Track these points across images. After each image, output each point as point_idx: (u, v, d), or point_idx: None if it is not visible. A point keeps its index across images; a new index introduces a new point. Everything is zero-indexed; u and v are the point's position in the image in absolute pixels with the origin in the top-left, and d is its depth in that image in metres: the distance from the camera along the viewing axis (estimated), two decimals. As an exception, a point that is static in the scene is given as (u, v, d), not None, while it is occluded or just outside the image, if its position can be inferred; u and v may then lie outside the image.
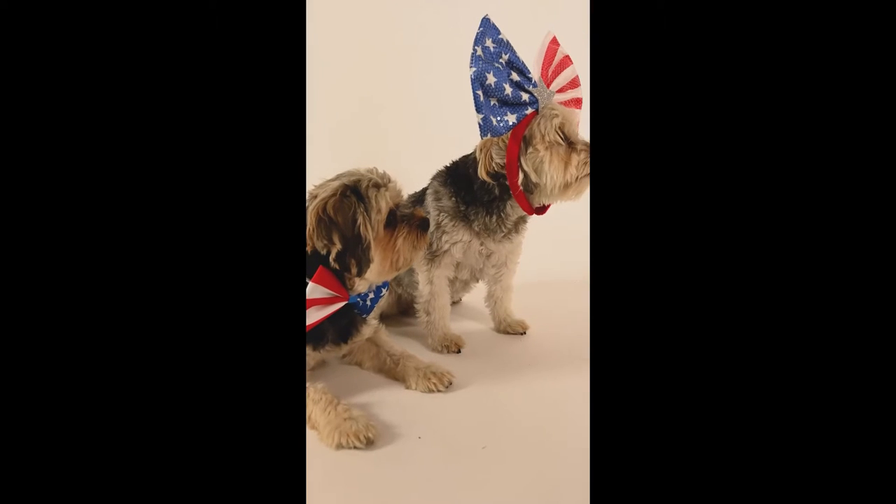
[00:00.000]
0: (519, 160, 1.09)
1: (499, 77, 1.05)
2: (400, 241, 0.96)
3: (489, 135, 1.08)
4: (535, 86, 1.09)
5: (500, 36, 1.06)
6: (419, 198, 1.25)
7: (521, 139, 1.08)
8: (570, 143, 1.08)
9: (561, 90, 1.11)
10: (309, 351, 0.97)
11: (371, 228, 0.92)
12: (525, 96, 1.07)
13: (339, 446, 0.80)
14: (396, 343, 1.12)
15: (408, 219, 0.99)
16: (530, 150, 1.09)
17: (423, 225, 1.00)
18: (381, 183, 0.96)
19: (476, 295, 1.61)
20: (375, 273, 0.96)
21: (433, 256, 1.20)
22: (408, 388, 1.02)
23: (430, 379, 1.00)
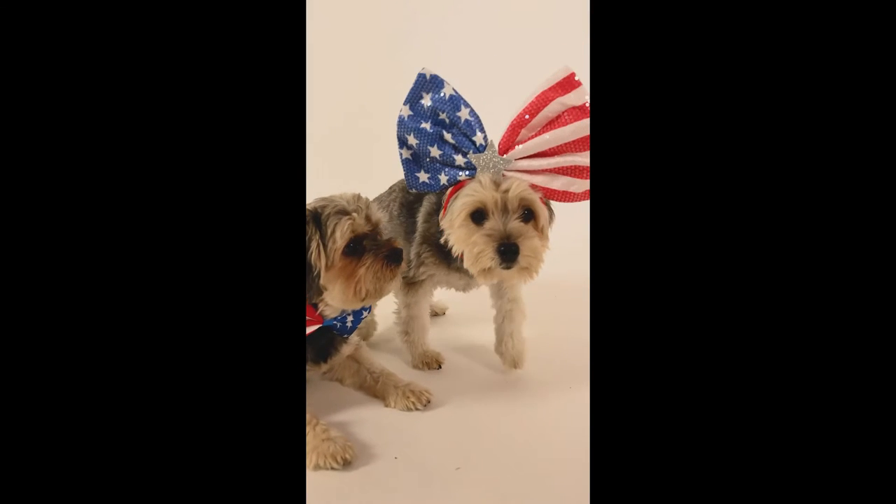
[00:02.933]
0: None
1: (422, 138, 0.94)
2: (362, 270, 0.93)
3: (415, 189, 1.01)
4: (479, 150, 0.94)
5: (443, 92, 0.92)
6: (417, 196, 1.16)
7: (447, 203, 0.98)
8: (479, 227, 0.93)
9: (538, 155, 0.92)
10: None
11: (325, 256, 0.90)
12: (460, 160, 0.95)
13: (317, 467, 0.81)
14: (377, 360, 1.13)
15: (376, 248, 0.95)
16: (442, 218, 0.99)
17: (391, 256, 0.95)
18: (347, 210, 0.93)
19: (458, 308, 1.63)
20: (339, 301, 0.95)
21: (411, 283, 1.14)
22: (387, 405, 1.03)
23: (408, 397, 1.02)
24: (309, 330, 0.95)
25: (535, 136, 0.92)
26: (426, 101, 0.92)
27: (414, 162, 0.96)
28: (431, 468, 0.84)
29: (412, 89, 0.92)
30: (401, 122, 0.93)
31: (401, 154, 0.96)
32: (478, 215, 0.93)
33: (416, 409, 1.01)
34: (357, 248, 0.94)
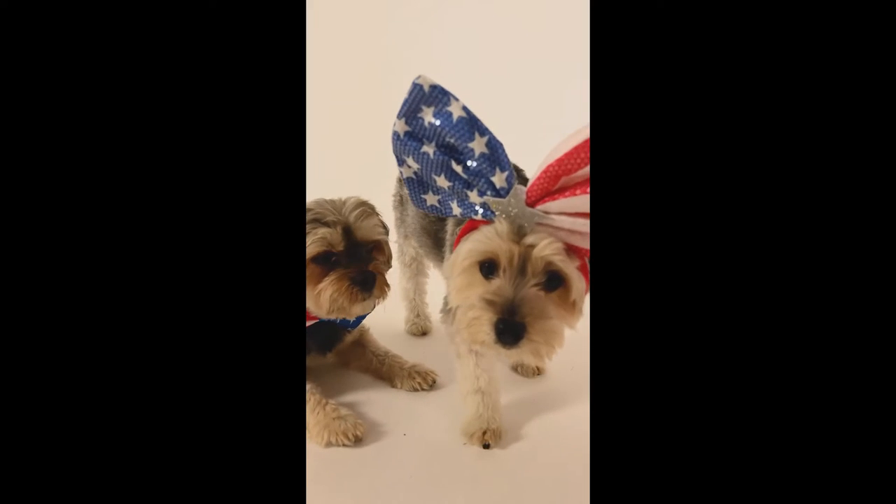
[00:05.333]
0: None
1: (424, 164, 0.68)
2: (323, 285, 0.89)
3: (423, 210, 0.77)
4: (500, 194, 0.66)
5: (449, 110, 0.63)
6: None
7: (457, 242, 0.74)
8: (486, 282, 0.69)
9: (585, 216, 0.64)
10: None
11: None
12: (475, 197, 0.68)
13: (329, 444, 0.84)
14: (382, 343, 1.16)
15: (348, 268, 0.89)
16: (450, 255, 0.75)
17: (359, 281, 0.89)
18: (325, 220, 0.89)
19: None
20: (313, 307, 0.93)
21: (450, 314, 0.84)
22: (393, 387, 1.06)
23: (414, 378, 1.05)
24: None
25: (581, 191, 0.62)
26: (427, 117, 0.64)
27: (418, 183, 0.72)
28: (440, 444, 0.86)
29: (407, 101, 0.64)
30: (396, 139, 0.67)
31: (401, 172, 0.72)
32: (488, 266, 0.69)
33: (423, 390, 1.04)
34: (328, 260, 0.90)
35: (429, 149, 0.67)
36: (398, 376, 1.06)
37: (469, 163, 0.65)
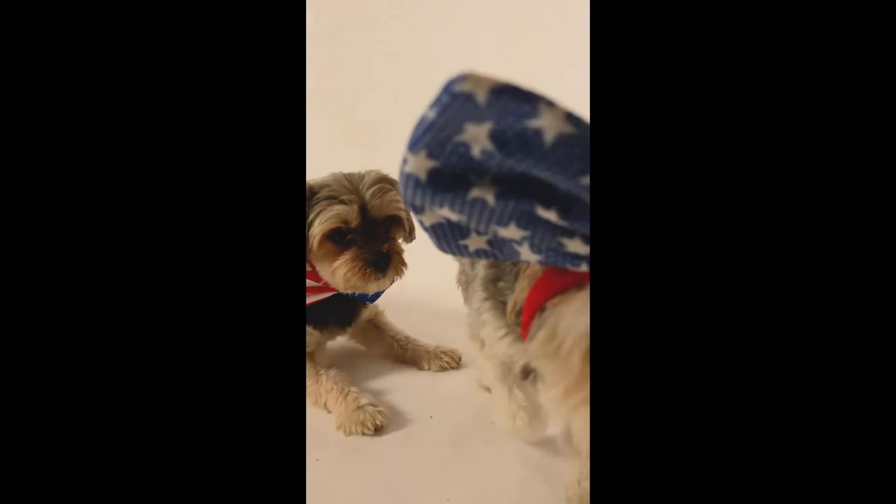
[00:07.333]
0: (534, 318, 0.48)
1: (476, 213, 0.40)
2: (338, 262, 0.89)
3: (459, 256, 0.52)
4: None
5: (536, 125, 0.32)
6: None
7: (532, 310, 0.48)
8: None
9: None
10: (310, 330, 0.98)
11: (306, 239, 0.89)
12: (577, 246, 0.43)
13: (351, 433, 0.82)
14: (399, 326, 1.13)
15: (364, 247, 0.88)
16: (525, 338, 0.49)
17: (373, 262, 0.88)
18: (336, 197, 0.88)
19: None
20: (331, 282, 0.93)
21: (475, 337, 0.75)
22: (420, 369, 1.03)
23: (441, 358, 1.03)
24: (322, 296, 0.95)
25: None
26: (479, 143, 0.35)
27: (453, 228, 0.45)
28: (467, 425, 0.84)
29: (434, 122, 0.33)
30: (412, 185, 0.38)
31: (421, 221, 0.44)
32: None
33: (451, 368, 1.02)
34: (343, 238, 0.89)
35: (484, 193, 0.38)
36: (424, 358, 1.04)
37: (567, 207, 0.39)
